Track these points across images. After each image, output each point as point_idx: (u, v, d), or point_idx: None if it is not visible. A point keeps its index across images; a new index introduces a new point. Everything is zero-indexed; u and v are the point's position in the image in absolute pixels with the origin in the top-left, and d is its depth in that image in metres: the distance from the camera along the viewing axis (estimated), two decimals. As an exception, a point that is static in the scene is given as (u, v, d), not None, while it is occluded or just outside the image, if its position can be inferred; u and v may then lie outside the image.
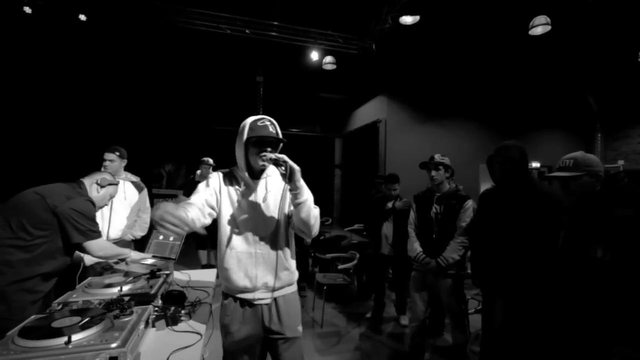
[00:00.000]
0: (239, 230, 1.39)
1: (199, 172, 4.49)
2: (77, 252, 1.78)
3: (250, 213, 1.40)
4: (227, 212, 1.41)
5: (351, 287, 3.78)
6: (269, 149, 1.34)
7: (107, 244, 1.86)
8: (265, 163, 1.33)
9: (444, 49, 5.78)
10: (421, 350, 2.48)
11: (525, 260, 1.80)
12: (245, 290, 1.39)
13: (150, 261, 1.95)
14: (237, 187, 1.44)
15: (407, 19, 4.43)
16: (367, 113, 7.13)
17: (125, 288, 1.49)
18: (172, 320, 1.40)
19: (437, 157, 2.36)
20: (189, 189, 4.47)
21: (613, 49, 5.85)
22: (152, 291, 1.48)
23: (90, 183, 1.87)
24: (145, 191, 3.00)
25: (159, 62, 6.16)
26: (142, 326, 1.20)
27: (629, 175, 1.53)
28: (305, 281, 4.15)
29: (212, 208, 1.42)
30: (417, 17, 4.39)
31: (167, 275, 1.77)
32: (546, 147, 7.18)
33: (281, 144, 1.40)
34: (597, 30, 5.41)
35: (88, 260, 1.97)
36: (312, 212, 1.34)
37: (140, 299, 1.42)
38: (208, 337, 2.04)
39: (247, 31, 5.20)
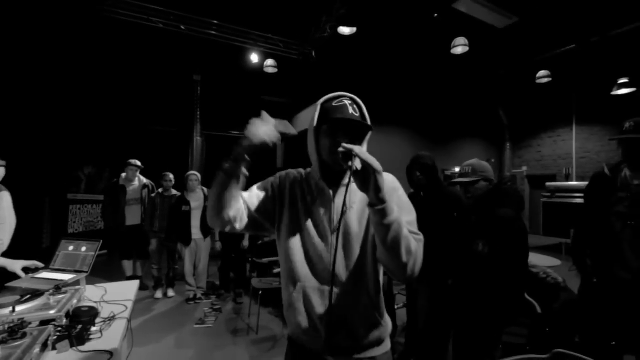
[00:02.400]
0: (306, 257, 0.96)
1: (124, 175, 4.13)
2: None
3: (325, 235, 0.96)
4: (293, 227, 0.98)
5: (289, 290, 3.79)
6: (346, 140, 0.88)
7: None
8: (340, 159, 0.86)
9: (379, 61, 6.16)
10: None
11: (441, 255, 2.02)
12: (309, 343, 0.96)
13: (56, 275, 1.74)
14: (309, 196, 0.99)
15: (345, 30, 4.62)
16: (309, 118, 7.23)
17: (20, 308, 1.32)
18: (78, 340, 1.26)
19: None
20: (112, 194, 4.10)
21: (518, 71, 6.82)
22: (54, 309, 1.33)
23: None
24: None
25: (80, 54, 5.51)
26: (37, 350, 1.07)
27: (512, 180, 1.83)
28: (242, 287, 4.05)
29: (267, 218, 1.00)
30: (354, 29, 4.61)
31: (76, 290, 1.60)
32: (466, 153, 8.04)
33: (369, 134, 0.96)
34: (505, 54, 6.27)
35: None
36: (406, 241, 0.83)
37: (39, 319, 1.26)
38: (127, 355, 1.90)
39: (182, 27, 4.94)
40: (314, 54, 5.67)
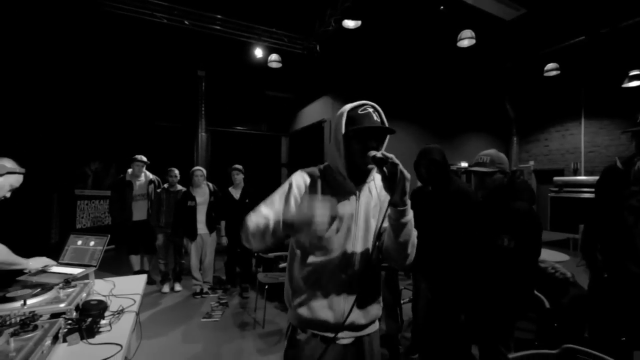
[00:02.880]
0: (328, 247, 1.08)
1: (130, 170, 4.16)
2: None
3: (348, 227, 1.09)
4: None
5: (295, 285, 3.81)
6: (374, 144, 1.04)
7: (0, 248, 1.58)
8: (370, 163, 1.03)
9: (384, 55, 6.09)
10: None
11: (447, 249, 2.00)
12: (327, 325, 1.08)
13: (66, 270, 1.76)
14: (328, 189, 1.11)
15: (350, 23, 4.57)
16: (313, 113, 7.21)
17: (31, 301, 1.33)
18: (88, 333, 1.28)
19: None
20: (119, 190, 4.13)
21: (525, 64, 6.71)
22: (64, 303, 1.34)
23: None
24: None
25: (86, 51, 5.53)
26: (48, 342, 1.08)
27: (523, 174, 1.80)
28: (248, 282, 4.07)
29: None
30: (359, 22, 4.56)
31: (85, 284, 1.61)
32: (472, 148, 7.97)
33: (387, 137, 1.11)
34: (513, 47, 6.16)
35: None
36: (412, 238, 1.03)
37: (50, 312, 1.28)
38: (136, 347, 1.92)
39: (187, 22, 4.93)
40: (318, 48, 5.62)
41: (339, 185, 1.11)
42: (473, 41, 4.78)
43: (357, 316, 1.09)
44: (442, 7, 4.56)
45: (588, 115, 7.42)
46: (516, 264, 1.64)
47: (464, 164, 7.79)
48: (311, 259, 1.08)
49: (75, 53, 5.53)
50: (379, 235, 1.12)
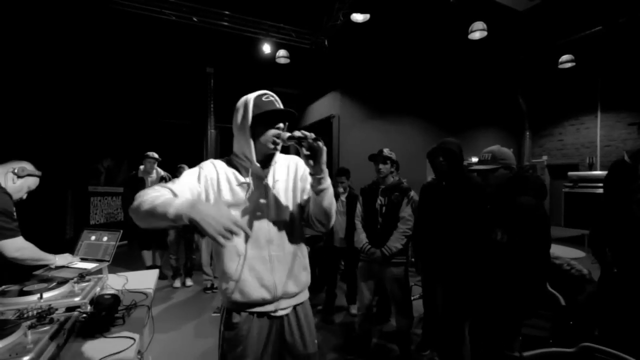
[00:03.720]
0: (246, 233, 1.11)
1: (142, 167, 4.21)
2: None
3: (261, 210, 1.16)
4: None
5: (304, 280, 3.82)
6: (281, 126, 1.15)
7: (28, 245, 1.65)
8: (280, 144, 1.13)
9: (393, 49, 6.01)
10: (368, 336, 2.59)
11: (462, 246, 1.97)
12: (264, 302, 1.16)
13: (80, 265, 1.80)
14: (240, 180, 1.17)
15: (358, 17, 4.52)
16: (321, 108, 7.18)
17: (47, 295, 1.36)
18: (102, 326, 1.30)
19: (386, 151, 2.46)
20: (131, 186, 4.18)
21: (539, 57, 6.54)
22: (79, 297, 1.37)
23: (4, 172, 1.65)
24: None
25: (97, 48, 5.60)
26: (64, 335, 1.10)
27: (533, 168, 1.75)
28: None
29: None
30: (368, 16, 4.50)
31: (99, 279, 1.64)
32: (482, 143, 7.82)
33: (287, 123, 1.19)
34: (526, 38, 6.00)
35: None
36: (333, 201, 1.18)
37: (65, 305, 1.30)
38: (148, 341, 1.95)
39: (195, 19, 4.94)
40: (326, 43, 5.57)
41: (246, 170, 1.18)
42: (485, 33, 4.66)
43: (289, 285, 1.18)
44: (452, -1, 4.47)
45: (605, 108, 7.20)
46: (511, 260, 1.60)
47: (475, 159, 7.66)
48: (231, 246, 1.13)
49: (87, 52, 5.61)
50: (301, 208, 1.24)
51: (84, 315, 1.30)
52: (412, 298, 3.04)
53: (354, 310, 3.41)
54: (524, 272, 1.57)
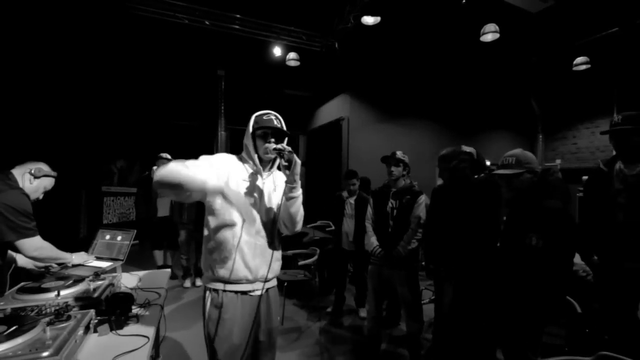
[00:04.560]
0: (242, 219, 1.35)
1: (155, 168, 4.27)
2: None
3: (257, 201, 1.40)
4: (235, 197, 1.32)
5: (312, 282, 3.82)
6: (272, 140, 1.39)
7: (45, 245, 1.68)
8: (270, 154, 1.37)
9: (403, 51, 5.99)
10: (378, 340, 2.57)
11: (472, 248, 1.94)
12: (245, 280, 1.36)
13: (95, 263, 1.83)
14: (245, 173, 1.42)
15: (369, 20, 4.52)
16: (331, 111, 7.19)
17: (64, 292, 1.39)
18: (117, 324, 1.32)
19: (399, 153, 2.45)
20: (144, 187, 4.25)
21: (553, 59, 6.43)
22: (95, 294, 1.40)
23: (21, 173, 1.69)
24: None
25: (111, 51, 5.73)
26: (80, 332, 1.13)
27: (559, 171, 1.73)
28: (267, 279, 4.11)
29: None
30: (378, 18, 4.50)
31: (113, 277, 1.67)
32: (494, 146, 7.72)
33: (286, 138, 1.44)
34: (539, 40, 5.91)
35: (22, 261, 1.79)
36: (301, 209, 1.42)
37: (81, 303, 1.33)
38: (160, 339, 1.97)
39: (207, 22, 5.01)
40: (337, 45, 5.59)
41: (254, 166, 1.43)
42: (497, 35, 4.61)
43: (265, 271, 1.39)
44: (464, 1, 4.43)
45: (621, 111, 7.01)
46: (545, 265, 1.57)
47: (487, 163, 7.55)
48: (231, 226, 1.34)
49: (102, 55, 5.74)
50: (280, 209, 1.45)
51: (99, 312, 1.32)
52: (423, 302, 3.01)
53: (363, 313, 3.39)
54: (552, 279, 1.54)
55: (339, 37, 5.43)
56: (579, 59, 5.75)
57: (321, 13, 5.04)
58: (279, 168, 1.43)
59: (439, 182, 2.45)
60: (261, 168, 1.43)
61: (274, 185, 1.48)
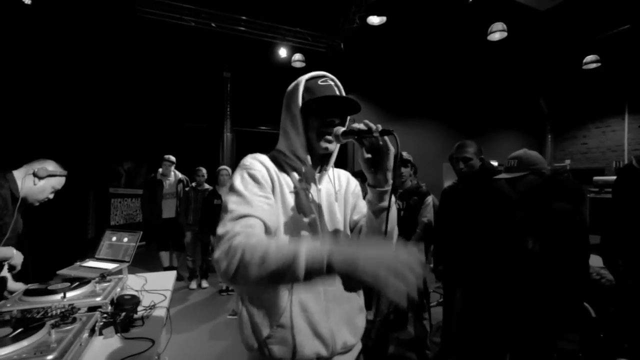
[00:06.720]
0: None
1: (160, 170, 4.30)
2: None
3: (315, 225, 0.86)
4: (281, 228, 0.84)
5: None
6: (336, 121, 0.85)
7: None
8: (333, 142, 0.85)
9: (409, 51, 5.95)
10: (385, 343, 2.54)
11: (482, 252, 1.90)
12: (318, 358, 0.82)
13: (101, 264, 1.83)
14: (289, 181, 0.87)
15: (374, 20, 4.50)
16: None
17: (70, 294, 1.38)
18: (123, 327, 1.31)
19: (405, 154, 2.42)
20: (150, 188, 4.28)
21: (562, 57, 6.33)
22: (100, 296, 1.39)
23: (24, 173, 1.63)
24: None
25: (118, 53, 5.79)
26: (86, 335, 1.11)
27: (570, 171, 1.67)
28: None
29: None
30: (384, 18, 4.48)
31: (119, 279, 1.66)
32: (503, 146, 7.62)
33: (348, 118, 0.90)
34: (548, 39, 5.83)
35: None
36: (395, 222, 0.87)
37: (87, 305, 1.32)
38: (166, 342, 1.96)
39: (213, 25, 5.04)
40: (342, 46, 5.57)
41: (296, 171, 0.88)
42: (504, 34, 4.56)
43: (346, 334, 0.85)
44: (470, 0, 4.39)
45: (633, 110, 6.90)
46: (543, 270, 1.51)
47: (494, 163, 7.45)
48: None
49: (109, 57, 5.80)
50: (351, 229, 0.94)
51: (105, 315, 1.32)
52: (431, 305, 2.97)
53: (369, 316, 3.35)
54: (560, 284, 1.49)
55: (344, 37, 5.42)
56: (589, 58, 5.65)
57: (327, 14, 5.04)
58: (366, 162, 0.80)
59: (446, 183, 2.40)
60: (312, 168, 0.88)
61: (334, 191, 0.93)
